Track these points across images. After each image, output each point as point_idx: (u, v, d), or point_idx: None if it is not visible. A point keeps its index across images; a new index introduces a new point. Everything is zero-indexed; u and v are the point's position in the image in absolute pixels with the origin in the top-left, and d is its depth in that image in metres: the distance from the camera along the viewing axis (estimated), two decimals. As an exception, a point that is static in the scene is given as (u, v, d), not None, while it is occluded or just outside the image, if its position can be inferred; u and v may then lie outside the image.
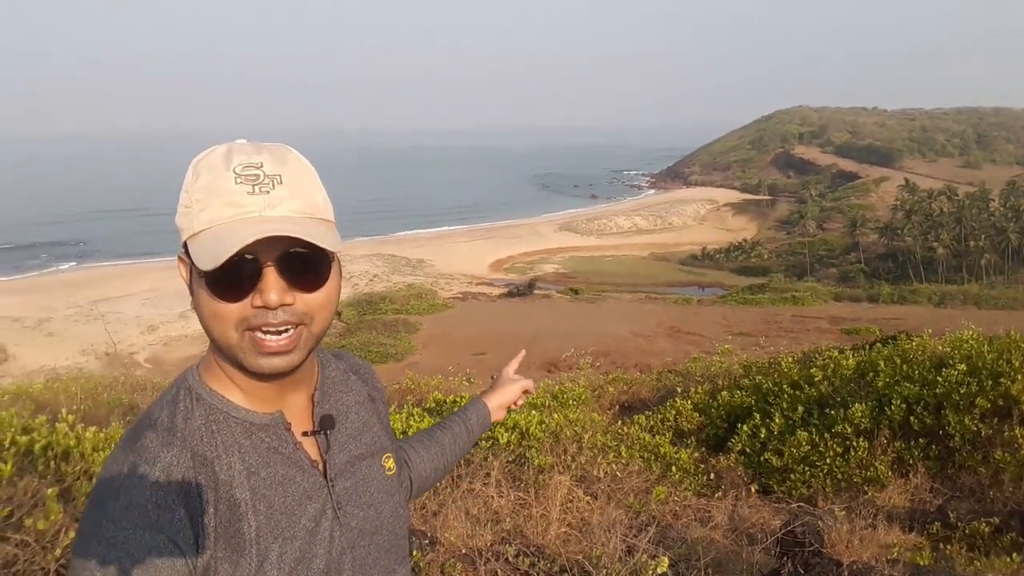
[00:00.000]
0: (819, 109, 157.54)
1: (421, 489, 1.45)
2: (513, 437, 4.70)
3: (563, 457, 4.67)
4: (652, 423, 6.90)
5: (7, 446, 2.97)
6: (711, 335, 29.25)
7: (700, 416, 7.04)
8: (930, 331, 7.57)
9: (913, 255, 62.79)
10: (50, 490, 2.59)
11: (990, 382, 4.95)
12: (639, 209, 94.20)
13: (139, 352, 34.23)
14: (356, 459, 1.10)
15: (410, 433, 2.92)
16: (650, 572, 2.95)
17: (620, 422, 6.61)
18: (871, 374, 5.95)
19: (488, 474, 4.14)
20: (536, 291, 49.75)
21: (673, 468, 5.40)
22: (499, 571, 3.22)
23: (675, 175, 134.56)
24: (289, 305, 0.92)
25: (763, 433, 5.83)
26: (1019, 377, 4.78)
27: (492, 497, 3.93)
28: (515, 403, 1.64)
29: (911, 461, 5.00)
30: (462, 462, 4.14)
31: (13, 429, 3.12)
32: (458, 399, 6.48)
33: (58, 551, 2.48)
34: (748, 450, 5.81)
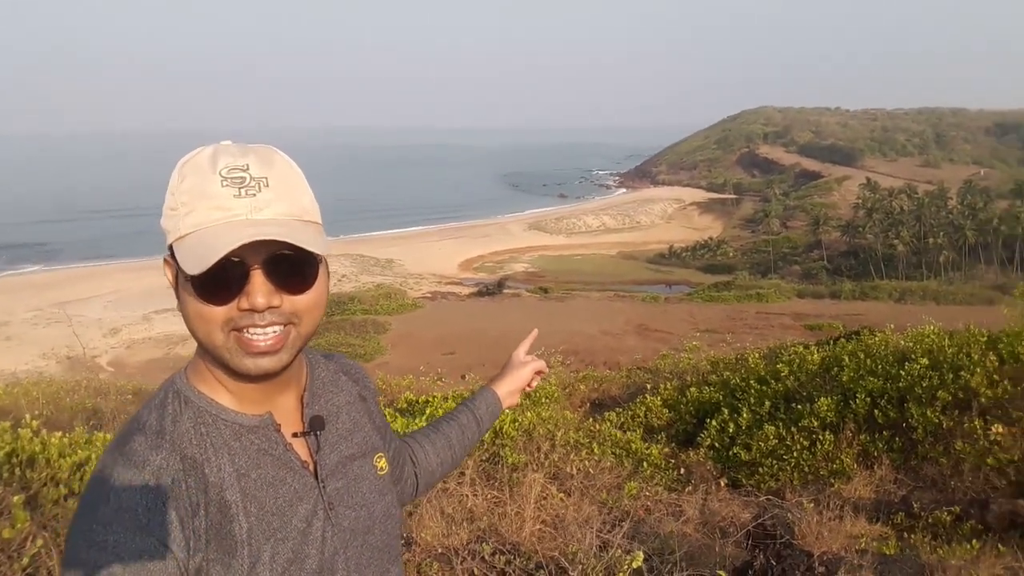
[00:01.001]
0: (783, 109, 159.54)
1: (429, 484, 1.44)
2: (487, 436, 4.71)
3: (536, 455, 4.70)
4: (623, 420, 6.97)
5: (-31, 453, 2.90)
6: (679, 332, 29.61)
7: (670, 412, 7.14)
8: (892, 326, 7.75)
9: (874, 252, 64.07)
10: (16, 498, 2.54)
11: (951, 375, 5.07)
12: (607, 208, 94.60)
13: (101, 355, 33.57)
14: (347, 459, 1.10)
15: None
16: (625, 567, 2.98)
17: (591, 419, 6.67)
18: (836, 369, 6.06)
19: (463, 473, 4.14)
20: (506, 290, 49.80)
21: (644, 464, 5.47)
22: (475, 570, 3.22)
23: (643, 175, 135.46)
24: (276, 307, 0.92)
25: (731, 428, 5.92)
26: (978, 370, 4.90)
27: (467, 496, 3.94)
28: (529, 385, 1.60)
29: (876, 453, 5.12)
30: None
31: (-26, 436, 3.05)
32: (430, 399, 6.47)
33: (25, 560, 2.42)
34: (717, 445, 5.90)
